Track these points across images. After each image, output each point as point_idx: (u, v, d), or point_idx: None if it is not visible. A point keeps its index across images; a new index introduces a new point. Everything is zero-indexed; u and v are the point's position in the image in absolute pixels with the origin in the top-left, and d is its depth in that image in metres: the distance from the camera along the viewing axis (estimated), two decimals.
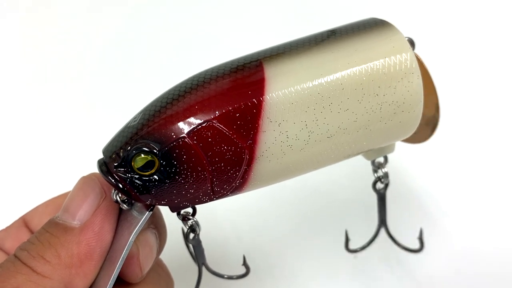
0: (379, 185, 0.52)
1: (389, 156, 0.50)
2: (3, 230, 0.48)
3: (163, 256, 0.48)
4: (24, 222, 0.48)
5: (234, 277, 0.51)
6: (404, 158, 0.62)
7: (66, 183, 0.47)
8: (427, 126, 0.48)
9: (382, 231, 0.56)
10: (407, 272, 0.65)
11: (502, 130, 0.75)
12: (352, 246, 0.57)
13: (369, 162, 0.51)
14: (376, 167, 0.51)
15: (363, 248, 0.57)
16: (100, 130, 0.71)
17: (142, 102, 0.42)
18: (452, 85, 0.75)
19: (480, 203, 0.69)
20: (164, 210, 0.45)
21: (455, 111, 0.75)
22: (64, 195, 0.48)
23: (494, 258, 0.65)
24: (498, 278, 0.64)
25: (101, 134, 0.46)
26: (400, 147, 0.50)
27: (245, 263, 0.51)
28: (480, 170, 0.72)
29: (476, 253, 0.66)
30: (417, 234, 0.58)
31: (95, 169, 0.41)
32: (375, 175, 0.51)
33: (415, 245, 0.57)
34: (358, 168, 0.58)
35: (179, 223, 0.46)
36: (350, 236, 0.57)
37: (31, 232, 0.48)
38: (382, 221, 0.55)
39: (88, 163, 0.47)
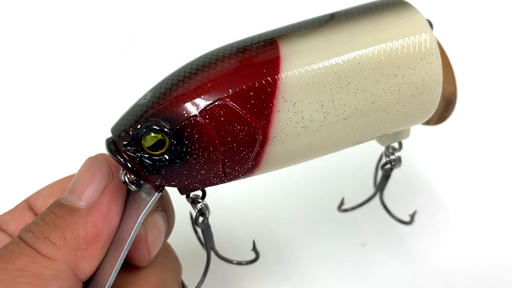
0: (388, 167, 0.51)
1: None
2: (7, 212, 0.47)
3: (170, 241, 0.47)
4: (28, 204, 0.47)
5: (244, 262, 0.49)
6: (417, 144, 0.60)
7: (71, 165, 0.46)
8: (444, 107, 0.47)
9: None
10: (412, 258, 0.64)
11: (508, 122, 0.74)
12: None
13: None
14: (390, 152, 0.49)
15: (353, 208, 0.57)
16: (107, 109, 0.70)
17: (152, 80, 0.41)
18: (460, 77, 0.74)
19: (486, 194, 0.68)
20: (172, 193, 0.43)
21: (468, 103, 0.74)
22: (69, 178, 0.47)
23: (498, 250, 0.65)
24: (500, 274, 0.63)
25: (108, 114, 0.45)
26: (414, 134, 0.49)
27: (254, 248, 0.50)
28: (489, 166, 0.71)
29: (480, 241, 0.65)
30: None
31: (102, 150, 0.40)
32: (387, 159, 0.50)
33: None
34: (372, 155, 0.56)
35: (186, 208, 0.45)
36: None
37: (36, 214, 0.47)
38: (379, 189, 0.54)
39: (95, 144, 0.46)
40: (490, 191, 0.68)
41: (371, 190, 0.56)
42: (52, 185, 0.48)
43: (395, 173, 0.53)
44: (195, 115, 0.37)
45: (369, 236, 0.64)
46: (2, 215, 0.47)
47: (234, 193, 0.65)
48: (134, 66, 0.80)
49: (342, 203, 0.58)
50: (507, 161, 0.71)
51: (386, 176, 0.52)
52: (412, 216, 0.57)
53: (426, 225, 0.64)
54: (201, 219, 0.44)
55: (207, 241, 0.46)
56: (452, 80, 0.47)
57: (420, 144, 0.64)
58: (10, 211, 0.47)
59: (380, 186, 0.53)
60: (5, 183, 0.68)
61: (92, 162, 0.41)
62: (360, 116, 0.40)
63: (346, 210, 0.58)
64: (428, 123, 0.50)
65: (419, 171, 0.69)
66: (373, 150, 0.52)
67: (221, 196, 0.63)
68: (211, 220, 0.45)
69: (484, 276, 0.62)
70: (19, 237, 0.38)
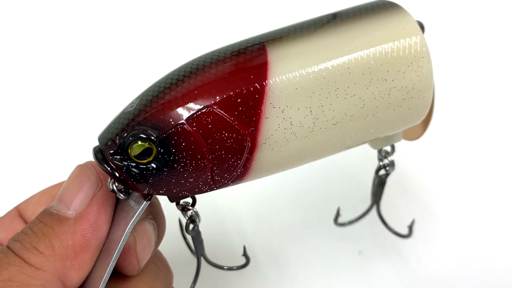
0: (382, 172, 0.51)
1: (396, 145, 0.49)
2: None
3: (161, 248, 0.46)
4: (18, 212, 0.47)
5: (234, 268, 0.49)
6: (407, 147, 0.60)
7: (61, 172, 0.46)
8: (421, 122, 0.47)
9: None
10: (407, 267, 0.64)
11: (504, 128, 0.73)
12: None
13: None
14: (383, 156, 0.49)
15: (350, 222, 0.57)
16: (96, 116, 0.70)
17: (139, 87, 0.40)
18: (454, 82, 0.74)
19: (482, 201, 0.68)
20: (163, 200, 0.43)
21: (460, 108, 0.74)
22: (59, 185, 0.46)
23: (494, 257, 0.64)
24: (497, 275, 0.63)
25: (97, 121, 0.44)
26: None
27: (245, 254, 0.50)
28: (482, 167, 0.70)
29: (476, 249, 0.65)
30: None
31: (91, 157, 0.40)
32: (381, 163, 0.50)
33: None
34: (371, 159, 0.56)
35: (177, 214, 0.44)
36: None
37: (25, 222, 0.46)
38: (376, 202, 0.54)
39: (84, 151, 0.45)
40: (486, 198, 0.68)
41: (368, 195, 0.56)
42: (42, 193, 0.47)
43: (390, 180, 0.52)
44: (182, 123, 0.36)
45: (365, 243, 0.64)
46: None
47: (226, 196, 0.64)
48: (123, 72, 0.79)
49: (338, 214, 0.58)
50: (502, 167, 0.70)
51: (381, 184, 0.52)
52: (411, 228, 0.56)
53: (423, 233, 0.63)
54: (191, 226, 0.43)
55: (197, 247, 0.46)
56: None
57: (414, 149, 0.64)
58: (0, 219, 0.47)
59: (376, 197, 0.53)
60: None
61: (81, 170, 0.41)
62: (349, 121, 0.39)
63: (343, 224, 0.57)
64: (411, 137, 0.50)
65: (414, 178, 0.69)
66: (372, 154, 0.51)
67: (214, 200, 0.62)
68: (202, 225, 0.44)
69: (481, 284, 0.61)
70: (7, 247, 0.38)
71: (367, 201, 0.57)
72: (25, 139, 0.74)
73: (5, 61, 0.82)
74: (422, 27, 0.42)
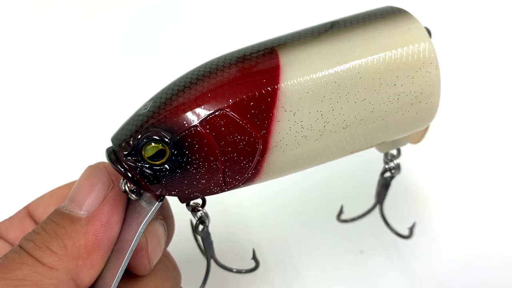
0: (387, 174, 0.51)
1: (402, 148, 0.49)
2: (6, 220, 0.47)
3: (170, 248, 0.47)
4: (28, 212, 0.47)
5: (243, 271, 0.50)
6: (413, 150, 0.61)
7: (72, 173, 0.46)
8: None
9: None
10: (410, 265, 0.64)
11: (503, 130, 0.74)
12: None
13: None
14: (389, 159, 0.50)
15: (353, 219, 0.57)
16: (108, 118, 0.70)
17: (153, 88, 0.41)
18: (455, 86, 0.75)
19: (483, 203, 0.69)
20: (171, 200, 0.43)
21: (462, 110, 0.74)
22: (69, 185, 0.47)
23: (494, 257, 0.65)
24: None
25: (109, 122, 0.45)
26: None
27: (254, 257, 0.50)
28: (484, 169, 0.71)
29: (476, 249, 0.65)
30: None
31: (102, 158, 0.40)
32: (386, 166, 0.50)
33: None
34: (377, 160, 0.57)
35: (186, 215, 0.45)
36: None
37: (35, 222, 0.47)
38: (379, 201, 0.55)
39: (95, 152, 0.46)
40: (487, 199, 0.68)
41: (372, 195, 0.56)
42: (52, 193, 0.48)
43: (394, 181, 0.53)
44: (196, 125, 0.37)
45: (367, 243, 0.64)
46: (1, 222, 0.47)
47: (235, 200, 0.65)
48: (136, 74, 0.79)
49: (341, 211, 0.58)
50: (504, 169, 0.71)
51: (386, 185, 0.52)
52: (411, 229, 0.57)
53: (424, 233, 0.64)
54: (201, 227, 0.44)
55: (207, 249, 0.46)
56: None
57: (418, 152, 0.65)
58: (10, 218, 0.47)
59: (380, 197, 0.54)
60: (5, 190, 0.68)
61: (92, 171, 0.41)
62: (359, 125, 0.40)
63: (345, 221, 0.58)
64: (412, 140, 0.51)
65: (416, 179, 0.70)
66: (375, 156, 0.52)
67: (222, 203, 0.63)
68: (212, 227, 0.45)
69: (483, 284, 0.62)
70: (20, 246, 0.38)
71: (371, 201, 0.57)
72: (35, 139, 0.74)
73: (17, 63, 0.82)
74: (429, 33, 0.43)
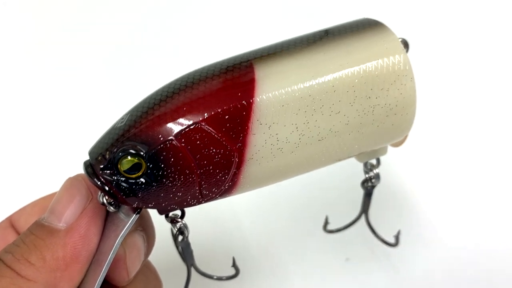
0: (368, 184, 0.52)
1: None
2: None
3: (151, 257, 0.47)
4: (10, 222, 0.48)
5: (224, 278, 0.50)
6: (396, 158, 0.61)
7: (54, 183, 0.46)
8: None
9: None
10: (396, 271, 0.65)
11: (489, 131, 0.75)
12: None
13: None
14: (368, 169, 0.50)
15: (339, 230, 0.57)
16: (88, 130, 0.70)
17: (130, 102, 0.41)
18: (438, 90, 0.75)
19: (468, 207, 0.69)
20: (153, 211, 0.44)
21: (444, 112, 0.75)
22: (52, 196, 0.47)
23: (482, 262, 0.65)
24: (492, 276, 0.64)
25: (89, 134, 0.45)
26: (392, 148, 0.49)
27: (234, 265, 0.51)
28: (470, 170, 0.72)
29: (466, 252, 0.66)
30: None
31: (82, 170, 0.40)
32: (366, 175, 0.51)
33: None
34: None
35: (167, 223, 0.45)
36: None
37: (18, 233, 0.47)
38: (364, 211, 0.55)
39: (76, 163, 0.46)
40: (472, 203, 0.69)
41: (359, 203, 0.57)
42: (34, 203, 0.48)
43: (379, 187, 0.53)
44: (171, 139, 0.37)
45: (353, 250, 0.65)
46: None
47: (218, 206, 0.65)
48: (116, 86, 0.79)
49: (326, 222, 0.59)
50: (489, 173, 0.71)
51: (368, 194, 0.52)
52: (397, 237, 0.57)
53: (410, 239, 0.64)
54: (180, 237, 0.44)
55: (187, 258, 0.47)
56: None
57: (402, 157, 0.65)
58: None
59: (365, 206, 0.54)
60: None
61: (72, 183, 0.41)
62: (334, 137, 0.40)
63: (331, 231, 0.58)
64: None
65: (402, 184, 0.70)
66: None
67: (205, 209, 0.63)
68: (194, 234, 0.45)
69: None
70: None
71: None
72: (17, 150, 0.74)
73: None
74: (406, 44, 0.43)
